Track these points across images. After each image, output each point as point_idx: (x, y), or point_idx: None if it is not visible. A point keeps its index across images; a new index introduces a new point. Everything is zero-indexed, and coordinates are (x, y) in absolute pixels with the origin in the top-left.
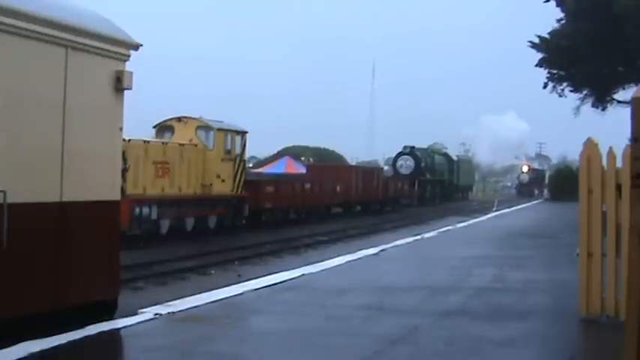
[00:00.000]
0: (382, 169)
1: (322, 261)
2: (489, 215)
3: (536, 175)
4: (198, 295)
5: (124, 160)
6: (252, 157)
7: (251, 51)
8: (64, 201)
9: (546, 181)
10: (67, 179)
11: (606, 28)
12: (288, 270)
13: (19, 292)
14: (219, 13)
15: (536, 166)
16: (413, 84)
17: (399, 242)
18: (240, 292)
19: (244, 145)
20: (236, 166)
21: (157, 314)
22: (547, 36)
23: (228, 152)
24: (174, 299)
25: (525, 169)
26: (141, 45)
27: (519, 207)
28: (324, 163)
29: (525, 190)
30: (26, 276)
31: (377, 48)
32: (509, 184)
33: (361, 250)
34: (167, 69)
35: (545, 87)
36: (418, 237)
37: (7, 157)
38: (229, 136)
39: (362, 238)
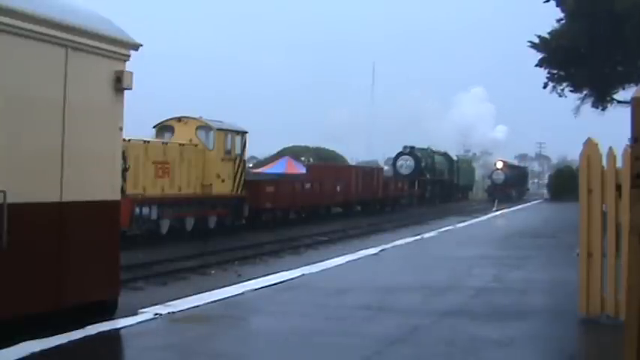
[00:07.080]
0: (382, 169)
1: (322, 261)
2: (489, 215)
3: (515, 174)
4: (198, 295)
5: (124, 160)
6: (252, 157)
7: (251, 51)
8: (64, 201)
9: (529, 180)
10: (67, 179)
11: (606, 28)
12: (288, 270)
13: (19, 292)
14: (220, 14)
15: (536, 166)
16: (413, 84)
17: (399, 242)
18: (240, 292)
19: (244, 145)
20: (236, 166)
21: (156, 314)
22: (547, 36)
23: (228, 152)
24: (174, 299)
25: (499, 165)
26: (141, 45)
27: (519, 207)
28: (324, 163)
29: (499, 192)
30: (26, 276)
31: (377, 48)
32: None
33: (361, 250)
34: (167, 69)
35: (545, 87)
36: (418, 237)
37: (7, 157)
38: (229, 136)
39: (362, 238)
